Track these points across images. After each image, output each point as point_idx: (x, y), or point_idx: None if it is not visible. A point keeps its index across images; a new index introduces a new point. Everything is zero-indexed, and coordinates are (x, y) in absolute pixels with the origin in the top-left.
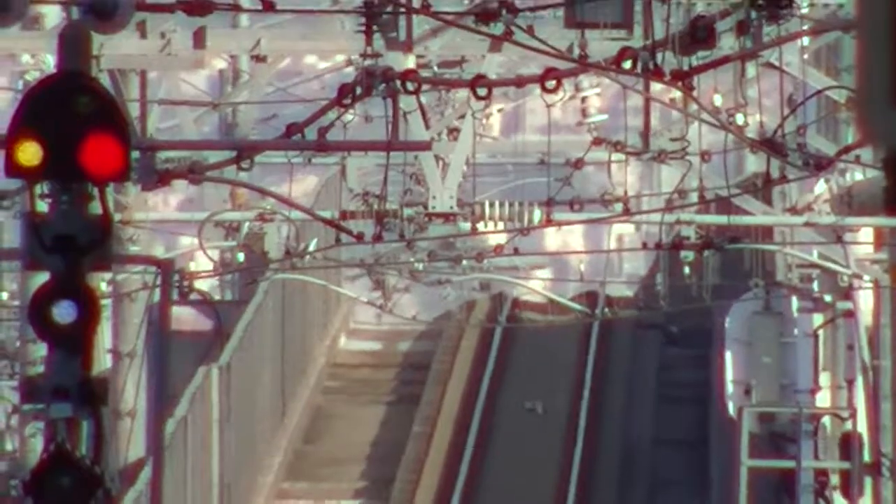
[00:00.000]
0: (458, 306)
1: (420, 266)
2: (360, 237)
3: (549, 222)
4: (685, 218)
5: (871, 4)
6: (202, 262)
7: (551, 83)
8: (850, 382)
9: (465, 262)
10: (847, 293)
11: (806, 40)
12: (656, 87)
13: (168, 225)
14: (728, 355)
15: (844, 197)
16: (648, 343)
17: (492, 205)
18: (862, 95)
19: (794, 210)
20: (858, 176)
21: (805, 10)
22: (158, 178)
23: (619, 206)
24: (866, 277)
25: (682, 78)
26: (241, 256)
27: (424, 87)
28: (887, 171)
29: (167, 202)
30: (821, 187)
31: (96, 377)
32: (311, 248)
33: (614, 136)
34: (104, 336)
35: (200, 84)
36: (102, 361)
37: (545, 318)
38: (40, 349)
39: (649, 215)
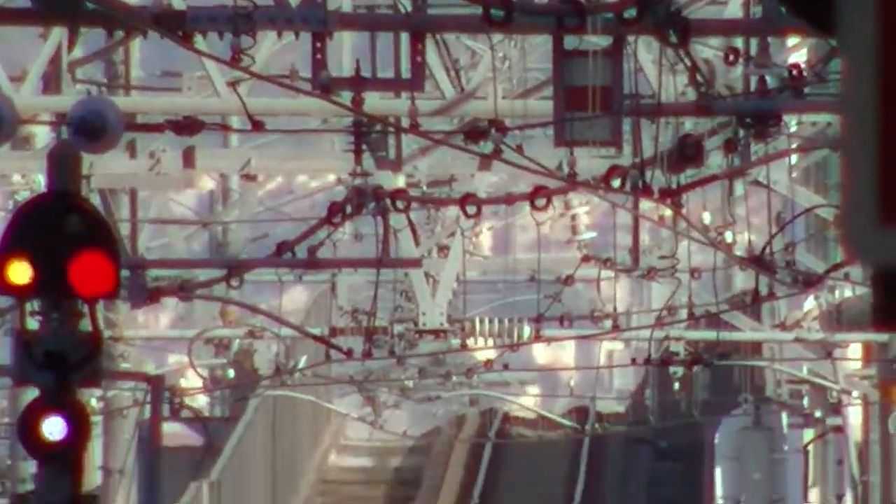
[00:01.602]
0: (448, 422)
1: (410, 382)
2: (349, 354)
3: (538, 338)
4: (674, 334)
5: (856, 122)
6: (192, 379)
7: (541, 201)
8: (840, 498)
9: (454, 377)
10: (836, 409)
11: (794, 158)
12: (646, 204)
13: (158, 342)
14: (718, 471)
15: (833, 313)
16: (639, 458)
17: (482, 321)
18: (847, 214)
19: (783, 326)
20: (847, 293)
21: (793, 129)
22: (148, 296)
23: (608, 323)
24: (855, 393)
25: (670, 196)
26: (231, 373)
27: (414, 205)
28: (875, 288)
29: (158, 319)
30: (810, 303)
31: (87, 494)
32: (301, 364)
33: (604, 253)
34: (95, 453)
35: (190, 203)
36: (93, 478)
37: (535, 433)
38: (31, 466)
39: (639, 331)
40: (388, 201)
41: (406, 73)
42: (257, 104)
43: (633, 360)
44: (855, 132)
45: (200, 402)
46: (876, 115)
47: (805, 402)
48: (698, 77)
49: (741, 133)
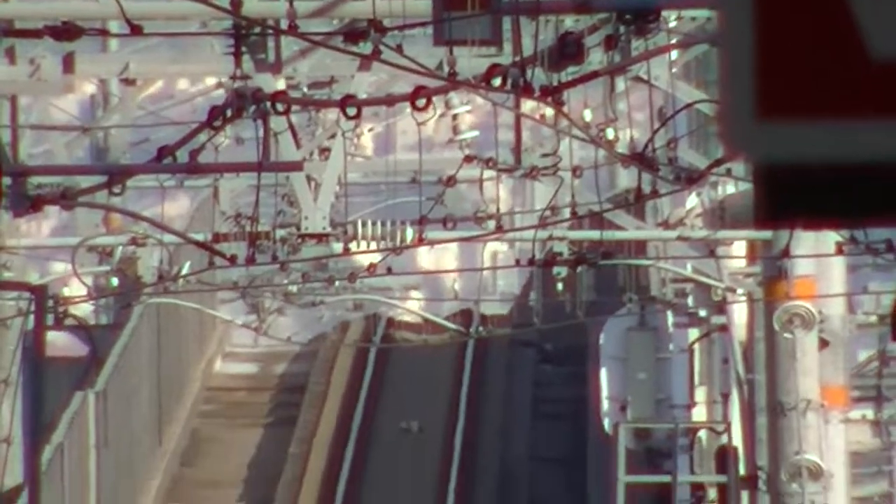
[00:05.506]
0: (333, 327)
1: (294, 288)
2: (232, 260)
3: (421, 241)
4: (558, 234)
5: (732, 16)
6: (76, 288)
7: (421, 101)
8: (726, 396)
9: (338, 282)
10: (721, 307)
11: (674, 54)
12: (527, 103)
13: (41, 251)
14: (603, 372)
15: (717, 210)
16: (524, 361)
17: (364, 224)
18: (724, 108)
19: (666, 224)
20: (730, 189)
21: (673, 24)
22: (31, 204)
23: (491, 224)
24: (740, 291)
25: (551, 94)
26: (114, 281)
27: (294, 107)
28: (755, 184)
29: (40, 228)
30: (693, 201)
31: None
32: (185, 271)
33: (486, 153)
34: None
35: (71, 109)
36: None
37: (420, 337)
38: None
39: (522, 232)
40: (268, 104)
41: None
42: (136, 8)
43: (517, 262)
44: (731, 26)
45: (85, 310)
46: (752, 8)
47: (690, 301)
48: None
49: (621, 29)
